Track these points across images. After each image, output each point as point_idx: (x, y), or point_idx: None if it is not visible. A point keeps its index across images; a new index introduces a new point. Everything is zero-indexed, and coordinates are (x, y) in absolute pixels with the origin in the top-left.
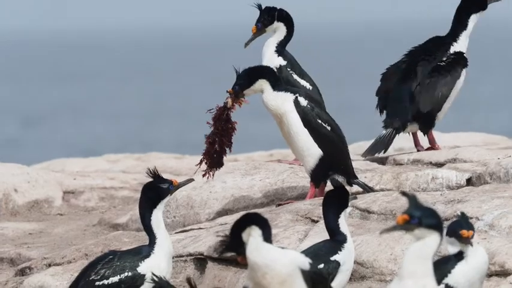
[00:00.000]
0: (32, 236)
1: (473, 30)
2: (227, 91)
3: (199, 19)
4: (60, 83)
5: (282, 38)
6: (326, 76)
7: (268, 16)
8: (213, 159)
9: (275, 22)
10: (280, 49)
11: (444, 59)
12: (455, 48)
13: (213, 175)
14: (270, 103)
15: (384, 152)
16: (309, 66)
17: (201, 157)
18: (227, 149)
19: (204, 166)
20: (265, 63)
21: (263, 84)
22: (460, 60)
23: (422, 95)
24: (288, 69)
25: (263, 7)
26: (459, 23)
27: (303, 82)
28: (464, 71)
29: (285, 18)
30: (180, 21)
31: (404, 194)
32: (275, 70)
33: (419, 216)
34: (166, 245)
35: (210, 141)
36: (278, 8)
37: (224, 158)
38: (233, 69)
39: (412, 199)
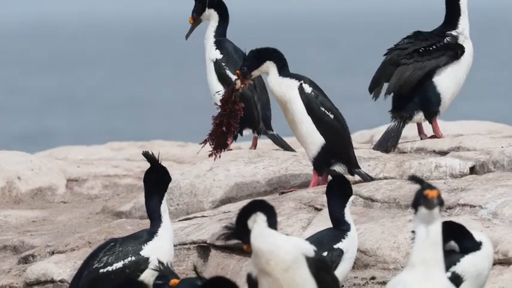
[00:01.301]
0: (35, 223)
1: (468, 10)
2: (235, 73)
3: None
4: (60, 72)
5: (217, 24)
6: (330, 65)
7: (199, 4)
8: (220, 140)
9: (206, 9)
10: (219, 40)
11: (443, 46)
12: (456, 33)
13: (219, 156)
14: (275, 89)
15: (394, 148)
16: (312, 57)
17: (205, 137)
18: (234, 131)
19: (209, 147)
20: (206, 55)
21: (270, 66)
22: (459, 48)
23: (425, 84)
24: (223, 64)
25: None
26: (452, 7)
27: (234, 77)
28: (466, 59)
29: (216, 4)
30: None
31: (412, 178)
32: (283, 54)
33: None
34: (169, 228)
35: (217, 123)
36: None
37: (229, 139)
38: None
39: (422, 181)
